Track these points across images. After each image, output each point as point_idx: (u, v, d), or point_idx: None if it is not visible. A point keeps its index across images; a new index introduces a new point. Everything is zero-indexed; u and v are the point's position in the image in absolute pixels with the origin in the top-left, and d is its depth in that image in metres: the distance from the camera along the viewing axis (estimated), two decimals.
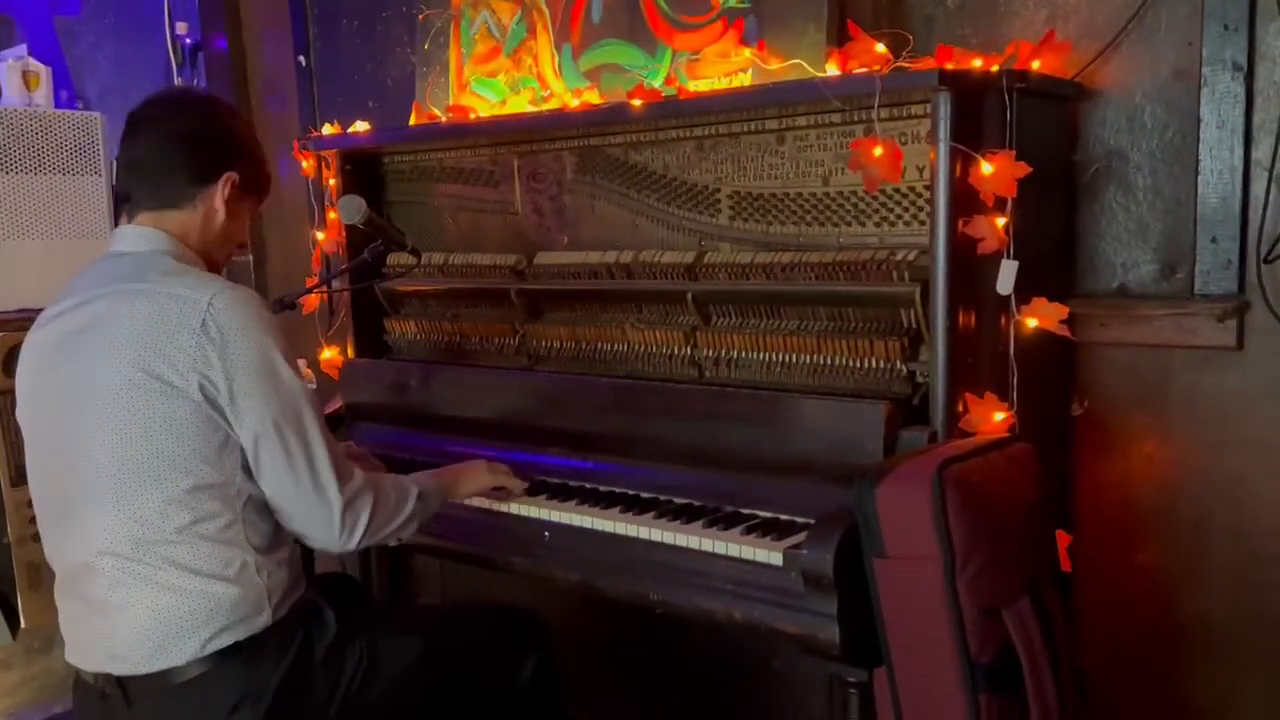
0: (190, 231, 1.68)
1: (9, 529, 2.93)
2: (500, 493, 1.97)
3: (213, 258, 1.73)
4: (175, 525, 1.51)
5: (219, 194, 1.68)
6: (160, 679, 1.53)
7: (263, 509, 1.60)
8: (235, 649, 1.54)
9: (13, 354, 2.84)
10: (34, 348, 1.65)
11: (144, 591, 1.52)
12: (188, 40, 3.36)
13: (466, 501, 1.98)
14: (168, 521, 1.51)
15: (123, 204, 1.69)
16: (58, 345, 1.60)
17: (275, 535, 1.62)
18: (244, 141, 1.75)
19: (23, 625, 2.97)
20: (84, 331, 1.57)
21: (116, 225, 1.72)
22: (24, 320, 2.88)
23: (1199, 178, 1.83)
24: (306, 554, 1.97)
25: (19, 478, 2.87)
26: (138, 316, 1.53)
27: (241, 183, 1.70)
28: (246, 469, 1.56)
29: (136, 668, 1.53)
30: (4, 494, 2.92)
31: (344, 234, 2.48)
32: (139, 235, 1.65)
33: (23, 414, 1.67)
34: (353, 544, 1.63)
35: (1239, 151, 1.79)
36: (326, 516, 1.59)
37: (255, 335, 1.54)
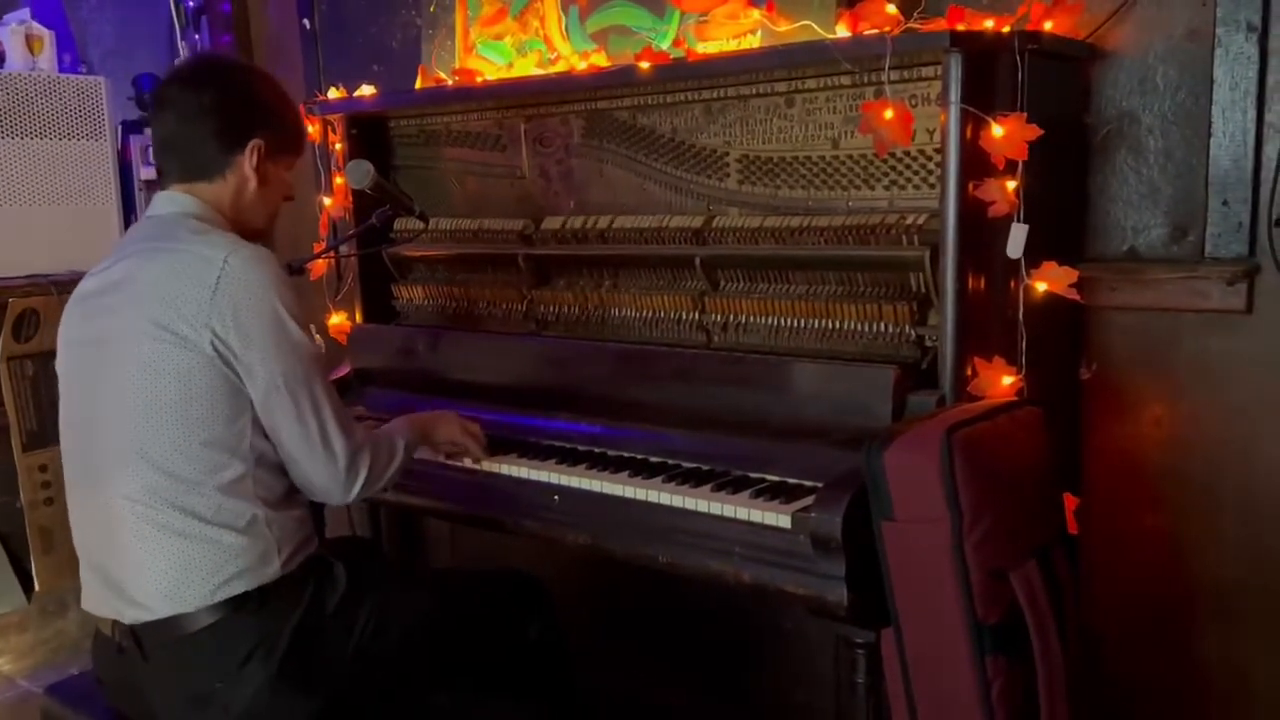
0: (223, 201, 1.72)
1: (22, 493, 2.95)
2: (459, 448, 1.99)
3: (250, 225, 1.76)
4: (188, 475, 1.55)
5: (247, 162, 1.71)
6: (172, 626, 1.56)
7: (275, 468, 1.64)
8: (245, 598, 1.57)
9: (22, 319, 2.86)
10: (71, 306, 1.73)
11: (158, 537, 1.56)
12: (190, 3, 3.33)
13: (475, 466, 1.99)
14: (181, 472, 1.55)
15: (159, 178, 1.75)
16: (88, 302, 1.68)
17: (287, 494, 1.67)
18: (268, 103, 1.75)
19: (36, 588, 3.01)
20: (111, 289, 1.64)
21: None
22: (31, 287, 2.91)
23: (1211, 140, 1.82)
24: (317, 516, 2.00)
25: (31, 443, 2.89)
26: (156, 273, 1.59)
27: (269, 146, 1.73)
28: (258, 425, 1.60)
29: (149, 614, 1.57)
30: (16, 458, 2.95)
31: (351, 199, 2.48)
32: (171, 200, 1.71)
33: (59, 362, 1.73)
34: (352, 495, 1.69)
35: (1251, 113, 1.78)
36: (333, 470, 1.65)
37: (268, 294, 1.58)
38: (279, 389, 1.58)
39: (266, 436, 1.62)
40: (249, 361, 1.56)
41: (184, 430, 1.55)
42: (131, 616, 1.59)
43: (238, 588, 1.57)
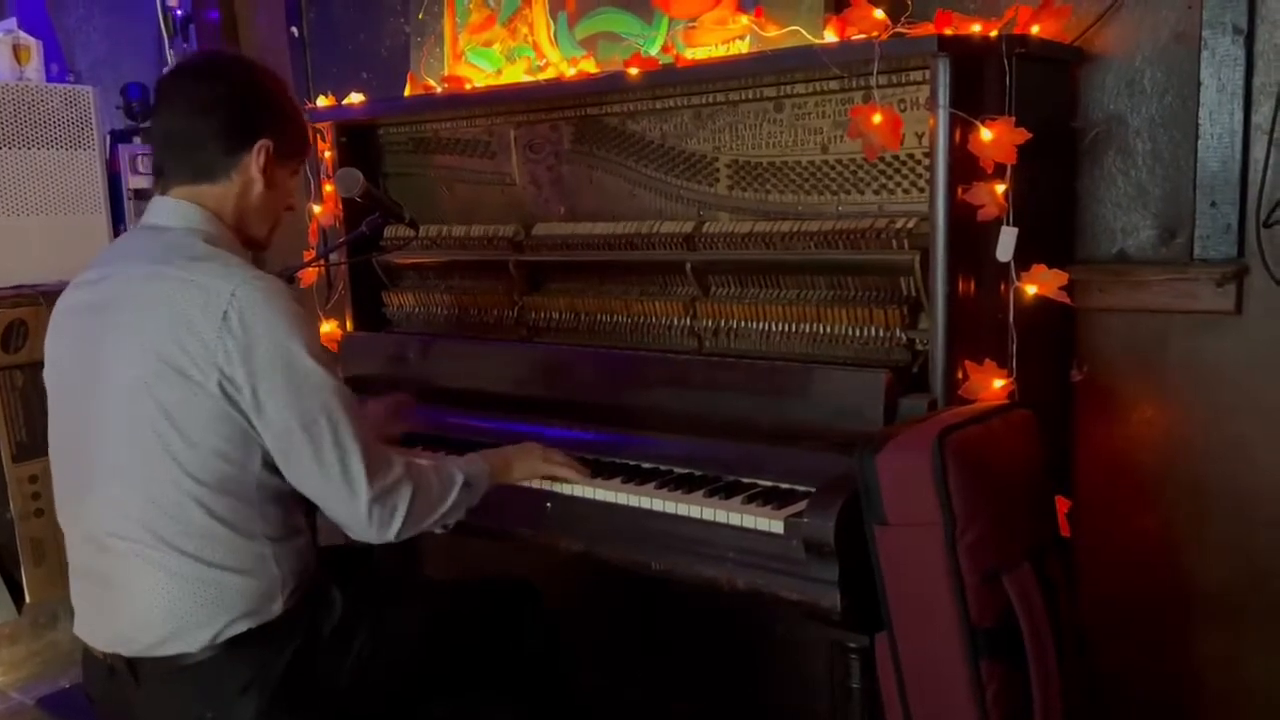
0: (226, 205, 1.61)
1: (11, 505, 2.94)
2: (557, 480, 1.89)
3: (252, 232, 1.66)
4: (190, 515, 1.48)
5: (254, 164, 1.60)
6: (170, 662, 1.52)
7: (277, 499, 1.56)
8: (246, 635, 1.53)
9: (10, 330, 2.85)
10: (61, 315, 1.63)
11: (156, 577, 1.50)
12: (178, 12, 3.32)
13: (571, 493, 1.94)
14: (182, 511, 1.48)
15: (158, 176, 1.64)
16: (80, 318, 1.59)
17: (289, 524, 1.60)
18: (279, 104, 1.65)
19: (27, 600, 2.99)
20: (106, 309, 1.54)
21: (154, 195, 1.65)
22: (19, 297, 2.90)
23: (1199, 142, 1.83)
24: (312, 528, 1.98)
25: (21, 454, 2.88)
26: (158, 304, 1.48)
27: (278, 149, 1.62)
28: (266, 462, 1.52)
29: (146, 651, 1.52)
30: (6, 470, 2.93)
31: (341, 207, 2.47)
32: (173, 209, 1.59)
33: (48, 377, 1.65)
34: (390, 535, 1.57)
35: (1239, 115, 1.79)
36: (357, 510, 1.54)
37: (279, 330, 1.47)
38: (294, 430, 1.48)
39: (274, 472, 1.53)
40: (261, 401, 1.47)
41: (186, 469, 1.47)
42: (126, 650, 1.54)
43: (241, 628, 1.52)
